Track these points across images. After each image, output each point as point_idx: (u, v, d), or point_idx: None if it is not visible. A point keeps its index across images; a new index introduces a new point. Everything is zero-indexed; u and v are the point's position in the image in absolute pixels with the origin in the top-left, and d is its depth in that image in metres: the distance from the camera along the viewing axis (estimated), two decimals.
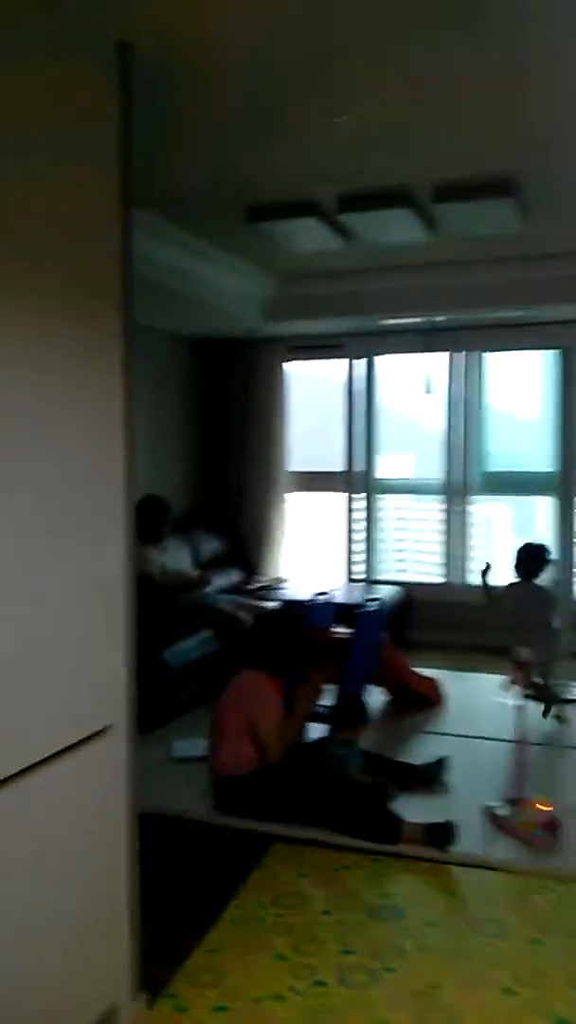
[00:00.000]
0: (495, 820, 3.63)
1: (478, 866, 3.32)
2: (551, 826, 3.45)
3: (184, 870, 3.32)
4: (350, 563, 7.08)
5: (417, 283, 5.86)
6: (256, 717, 3.61)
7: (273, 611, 4.03)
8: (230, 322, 6.20)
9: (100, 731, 2.25)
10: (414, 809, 3.70)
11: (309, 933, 2.88)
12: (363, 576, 7.05)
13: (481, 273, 5.68)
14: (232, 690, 3.73)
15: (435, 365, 6.67)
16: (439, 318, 6.29)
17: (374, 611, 4.62)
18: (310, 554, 7.25)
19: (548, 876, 3.22)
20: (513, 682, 3.56)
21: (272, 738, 3.61)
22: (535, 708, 4.84)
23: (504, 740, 4.19)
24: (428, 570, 6.96)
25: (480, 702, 5.18)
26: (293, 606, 4.93)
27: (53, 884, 2.11)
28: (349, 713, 3.90)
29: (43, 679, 2.05)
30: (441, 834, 3.38)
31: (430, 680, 5.26)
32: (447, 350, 6.71)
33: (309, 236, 4.82)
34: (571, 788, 4.04)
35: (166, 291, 5.22)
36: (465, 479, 6.79)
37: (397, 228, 4.70)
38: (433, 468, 6.90)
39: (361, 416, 7.01)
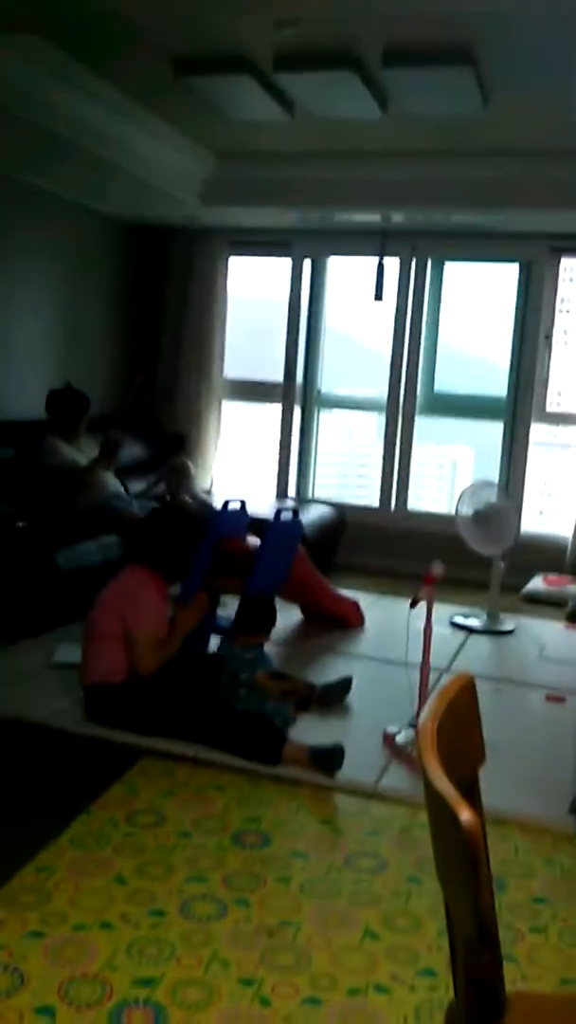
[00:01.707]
0: (392, 747, 3.31)
1: (366, 795, 3.01)
2: None
3: (35, 782, 2.96)
4: (283, 480, 6.67)
5: (373, 174, 5.36)
6: (131, 620, 3.23)
7: (167, 505, 3.62)
8: (164, 204, 5.66)
9: None
10: (309, 730, 3.38)
11: (159, 856, 2.54)
12: (295, 494, 6.65)
13: (443, 167, 5.20)
14: (111, 588, 3.35)
15: (388, 270, 6.18)
16: (396, 217, 5.80)
17: (286, 521, 4.23)
18: (241, 468, 6.82)
19: None
20: (420, 597, 3.21)
21: (145, 647, 3.23)
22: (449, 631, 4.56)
23: (416, 665, 3.86)
24: (364, 493, 6.58)
25: (399, 627, 4.84)
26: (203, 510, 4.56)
27: None
28: (255, 614, 3.50)
29: None
30: (327, 758, 3.06)
31: (350, 601, 4.92)
32: (402, 255, 6.22)
33: (246, 100, 4.31)
34: (483, 724, 3.73)
35: (93, 160, 4.69)
36: (410, 399, 6.37)
37: (344, 98, 4.21)
38: (378, 385, 6.47)
39: (305, 323, 6.53)
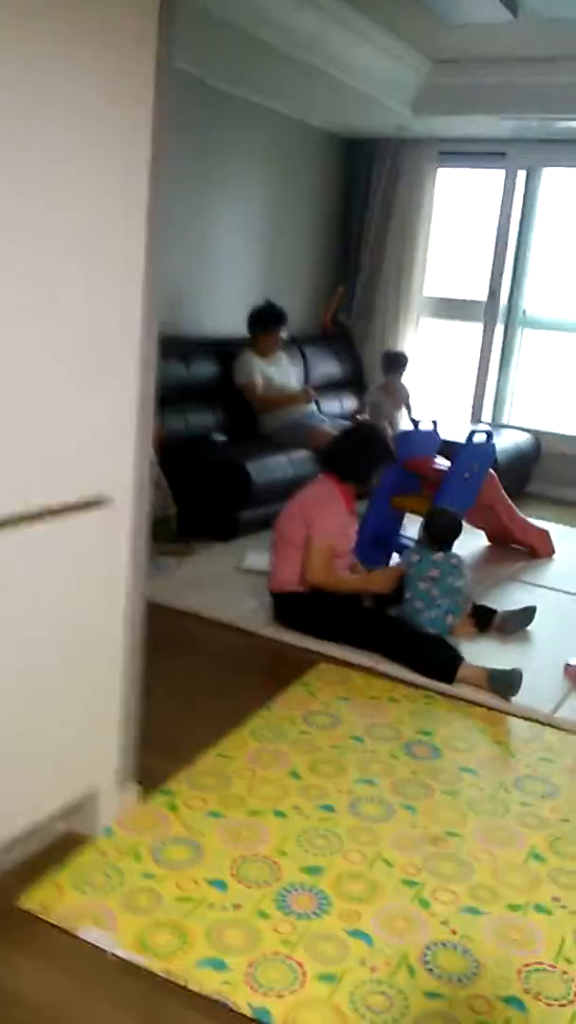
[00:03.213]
0: (574, 678, 3.25)
1: (542, 723, 2.98)
2: None
3: (221, 675, 3.15)
4: (479, 403, 6.51)
5: None
6: (312, 526, 3.31)
7: (356, 425, 3.66)
8: (375, 113, 5.51)
9: (93, 503, 1.97)
10: (487, 654, 3.38)
11: (332, 756, 2.65)
12: (490, 418, 6.48)
13: None
14: (300, 496, 3.44)
15: None
16: None
17: (479, 443, 4.14)
18: (437, 389, 6.70)
19: None
20: None
21: (316, 554, 3.30)
22: None
23: None
24: (565, 420, 6.31)
25: None
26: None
27: (41, 649, 1.94)
28: (442, 525, 3.51)
29: (24, 425, 1.77)
30: (505, 681, 3.05)
31: (540, 530, 4.79)
32: None
33: (468, 1, 4.08)
34: None
35: (303, 68, 4.62)
36: None
37: None
38: None
39: (514, 239, 6.24)
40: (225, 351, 5.11)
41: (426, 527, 3.48)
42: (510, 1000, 1.82)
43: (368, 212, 6.51)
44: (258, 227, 5.78)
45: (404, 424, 5.73)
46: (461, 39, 4.75)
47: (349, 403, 6.08)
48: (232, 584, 3.93)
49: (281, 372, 5.24)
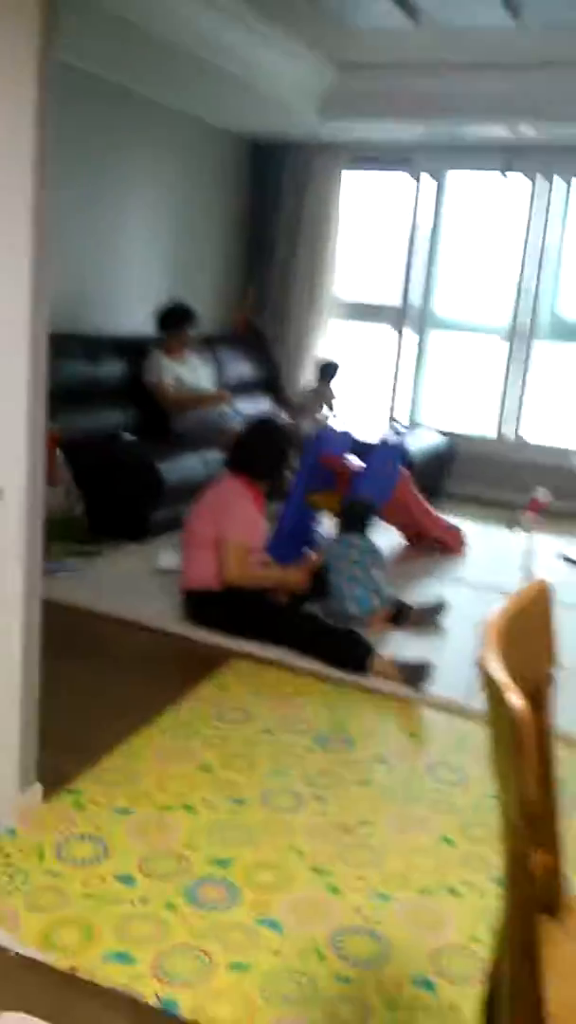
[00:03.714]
0: None
1: (453, 712, 3.02)
2: None
3: (132, 675, 3.10)
4: (393, 404, 6.59)
5: (503, 86, 5.08)
6: (223, 526, 3.30)
7: (256, 420, 3.66)
8: (283, 117, 5.55)
9: None
10: (401, 646, 3.41)
11: (244, 751, 2.63)
12: (406, 419, 6.56)
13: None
14: (208, 495, 3.42)
15: (511, 187, 5.93)
16: (528, 132, 5.52)
17: (391, 442, 4.19)
18: (350, 392, 6.75)
19: None
20: (523, 523, 3.15)
21: (231, 554, 3.30)
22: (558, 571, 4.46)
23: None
24: (478, 420, 6.42)
25: (504, 557, 4.78)
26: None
27: None
28: (356, 511, 3.57)
29: None
30: (416, 672, 3.08)
31: (452, 527, 4.86)
32: (531, 172, 5.94)
33: (370, 8, 4.14)
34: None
35: (210, 70, 4.62)
36: (532, 323, 6.14)
37: (475, 7, 4.00)
38: (497, 308, 6.25)
39: (424, 243, 6.35)
40: (134, 349, 5.06)
41: (341, 514, 3.54)
42: (420, 981, 1.82)
43: (278, 215, 6.54)
44: (164, 226, 5.74)
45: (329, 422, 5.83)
46: (366, 45, 4.81)
47: (264, 405, 6.08)
48: (144, 584, 3.88)
49: (192, 372, 5.21)
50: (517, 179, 5.95)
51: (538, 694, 1.36)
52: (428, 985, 1.81)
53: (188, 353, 5.23)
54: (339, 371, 6.26)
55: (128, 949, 1.81)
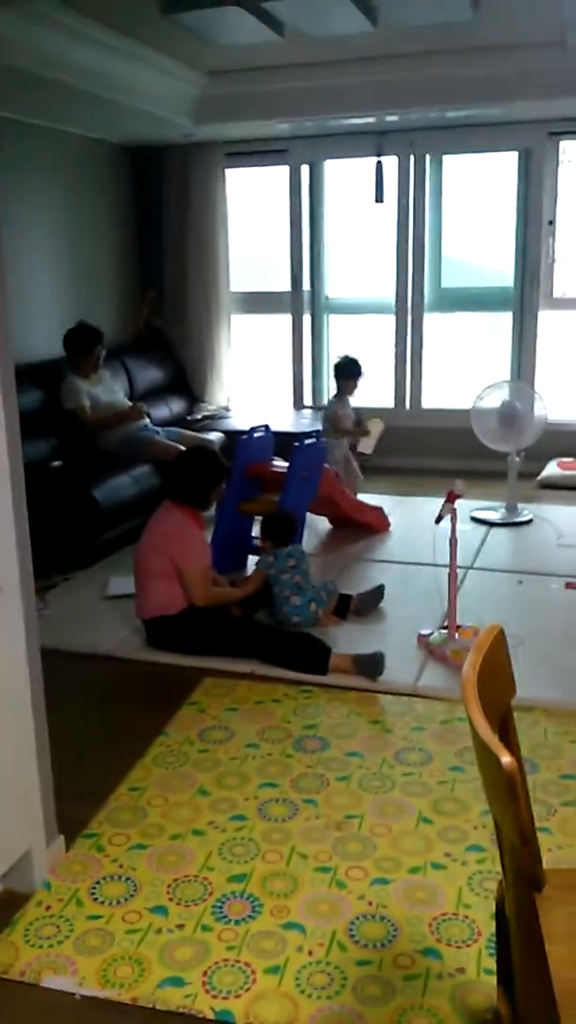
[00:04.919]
0: (428, 648, 3.64)
1: (407, 695, 3.35)
2: None
3: (112, 709, 3.32)
4: (298, 390, 6.85)
5: (365, 79, 5.33)
6: (180, 560, 3.52)
7: (191, 450, 3.88)
8: (159, 127, 5.66)
9: None
10: (351, 639, 3.71)
11: (233, 767, 2.90)
12: (311, 402, 6.84)
13: (433, 67, 5.18)
14: (153, 529, 3.61)
15: (387, 170, 6.19)
16: (390, 118, 5.77)
17: (310, 445, 4.45)
18: (256, 381, 6.99)
19: None
20: (444, 514, 3.47)
21: (197, 581, 3.54)
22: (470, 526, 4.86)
23: (444, 566, 4.15)
24: (378, 394, 6.75)
25: (423, 528, 5.12)
26: (232, 440, 4.78)
27: None
28: (281, 526, 3.88)
29: None
30: (370, 664, 3.39)
31: (375, 509, 5.19)
32: (399, 154, 6.21)
33: (235, 27, 4.30)
34: (507, 616, 4.05)
35: (87, 96, 4.70)
36: (418, 297, 6.47)
37: (333, 14, 4.20)
38: (384, 286, 6.55)
39: (307, 230, 6.57)
40: (49, 375, 5.15)
41: (265, 531, 3.80)
42: (427, 951, 2.15)
43: (164, 217, 6.65)
44: (57, 242, 5.80)
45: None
46: (234, 54, 4.95)
47: (177, 407, 6.26)
48: (100, 613, 4.06)
49: (107, 390, 5.34)
50: (389, 162, 6.20)
51: (505, 722, 1.67)
52: (435, 953, 2.14)
53: (101, 372, 5.35)
54: (360, 369, 5.58)
55: (177, 973, 2.08)
